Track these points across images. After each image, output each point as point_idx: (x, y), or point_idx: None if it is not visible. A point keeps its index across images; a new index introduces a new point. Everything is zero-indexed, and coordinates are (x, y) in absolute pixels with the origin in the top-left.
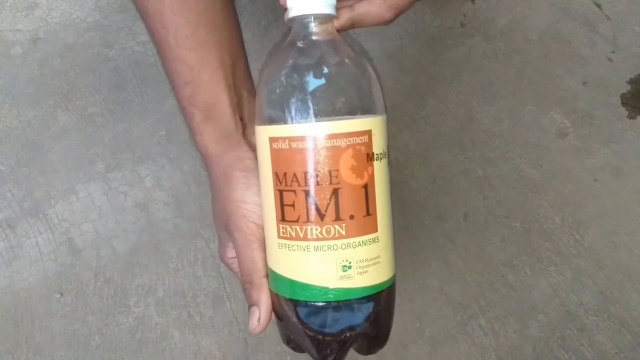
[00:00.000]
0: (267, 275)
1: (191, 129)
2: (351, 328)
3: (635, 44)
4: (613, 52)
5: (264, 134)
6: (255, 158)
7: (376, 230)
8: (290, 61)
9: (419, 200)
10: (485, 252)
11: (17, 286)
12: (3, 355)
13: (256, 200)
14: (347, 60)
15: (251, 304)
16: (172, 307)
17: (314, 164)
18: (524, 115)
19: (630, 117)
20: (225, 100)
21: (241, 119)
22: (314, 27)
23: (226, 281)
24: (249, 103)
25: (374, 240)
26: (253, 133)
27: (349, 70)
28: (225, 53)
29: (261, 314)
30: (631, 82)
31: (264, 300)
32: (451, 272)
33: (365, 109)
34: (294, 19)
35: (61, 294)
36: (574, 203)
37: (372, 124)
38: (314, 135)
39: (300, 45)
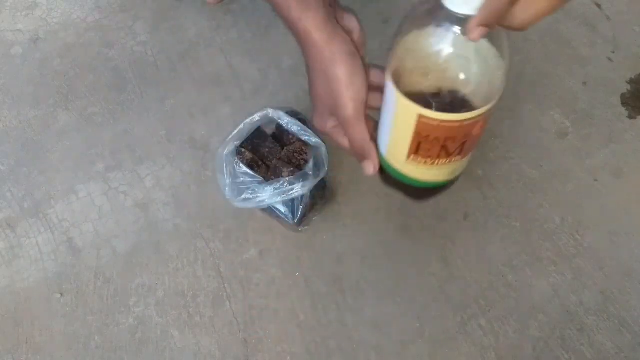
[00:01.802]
0: (373, 139)
1: (290, 19)
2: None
3: (635, 44)
4: (613, 52)
5: (412, 110)
6: (352, 41)
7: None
8: (439, 49)
9: None
10: (485, 252)
11: (17, 286)
12: (3, 355)
13: (362, 81)
14: (486, 56)
15: (365, 159)
16: (172, 307)
17: (454, 134)
18: (524, 115)
19: (630, 117)
20: None
21: (330, 5)
22: (462, 25)
23: (226, 281)
24: None
25: (468, 159)
26: (341, 17)
27: (487, 66)
28: None
29: (374, 164)
30: (631, 82)
31: (374, 156)
32: (451, 272)
33: (491, 96)
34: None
35: (61, 294)
36: (574, 203)
37: (491, 108)
38: (459, 119)
39: (450, 35)
